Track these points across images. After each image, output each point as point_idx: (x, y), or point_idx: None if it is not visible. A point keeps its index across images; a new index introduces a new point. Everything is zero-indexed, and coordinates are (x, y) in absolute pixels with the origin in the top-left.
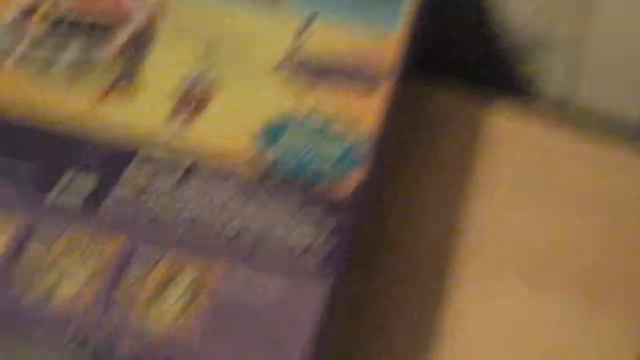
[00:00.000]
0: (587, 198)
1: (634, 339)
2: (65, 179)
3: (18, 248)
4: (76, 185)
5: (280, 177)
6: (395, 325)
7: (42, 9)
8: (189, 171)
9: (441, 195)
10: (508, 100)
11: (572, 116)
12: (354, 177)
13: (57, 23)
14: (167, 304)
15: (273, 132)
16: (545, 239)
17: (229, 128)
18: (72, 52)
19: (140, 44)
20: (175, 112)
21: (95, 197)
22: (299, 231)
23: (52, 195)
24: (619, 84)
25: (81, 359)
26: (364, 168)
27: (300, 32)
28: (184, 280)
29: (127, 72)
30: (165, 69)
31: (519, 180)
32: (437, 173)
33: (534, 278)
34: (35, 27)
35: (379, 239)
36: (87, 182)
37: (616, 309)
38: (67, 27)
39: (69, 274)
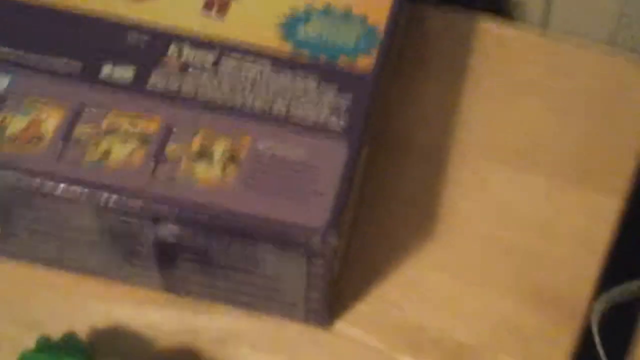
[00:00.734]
0: (564, 99)
1: (611, 211)
2: (109, 65)
3: (71, 124)
4: (120, 70)
5: (305, 56)
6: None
7: None
8: (222, 54)
9: (436, 101)
10: (495, 20)
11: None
12: (372, 56)
13: None
14: (209, 163)
15: (297, 18)
16: (528, 133)
17: (257, 15)
18: None
19: None
20: (208, 4)
21: (138, 79)
22: (325, 101)
23: (100, 77)
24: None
25: (132, 220)
26: (380, 48)
27: None
28: (223, 145)
29: None
30: None
31: (503, 88)
32: (431, 83)
33: (520, 162)
34: None
35: (381, 136)
36: (130, 67)
37: (594, 184)
38: None
39: (118, 144)
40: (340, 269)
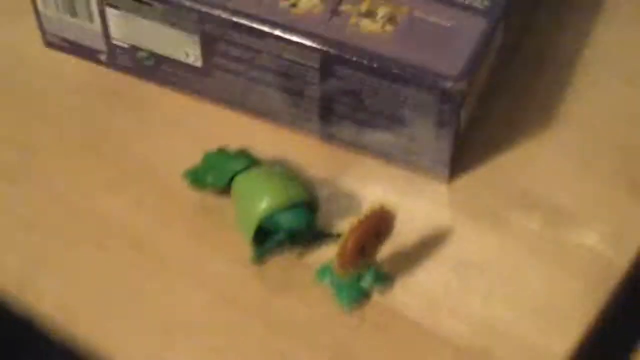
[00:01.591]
0: None
1: None
2: None
3: None
4: None
5: None
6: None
7: None
8: None
9: (574, 27)
10: None
11: None
12: None
13: None
14: (373, 20)
15: None
16: None
17: None
18: None
19: None
20: None
21: None
22: None
23: None
24: None
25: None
26: None
27: None
28: (385, 9)
29: None
30: None
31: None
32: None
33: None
34: None
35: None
36: None
37: None
38: None
39: None
40: (465, 136)
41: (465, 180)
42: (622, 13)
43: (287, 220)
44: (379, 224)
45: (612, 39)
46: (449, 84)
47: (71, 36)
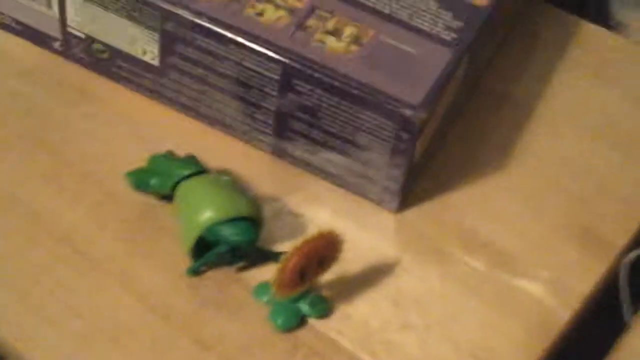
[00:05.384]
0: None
1: None
2: None
3: None
4: None
5: None
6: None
7: None
8: None
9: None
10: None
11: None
12: None
13: None
14: (338, 39)
15: None
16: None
17: None
18: None
19: None
20: None
21: None
22: (442, 18)
23: None
24: None
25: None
26: None
27: None
28: (352, 30)
29: None
30: None
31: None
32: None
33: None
34: None
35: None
36: None
37: None
38: None
39: (271, 8)
40: (418, 169)
41: (413, 213)
42: (586, 64)
43: (230, 232)
44: (324, 249)
45: (574, 88)
46: (409, 112)
47: (25, 19)
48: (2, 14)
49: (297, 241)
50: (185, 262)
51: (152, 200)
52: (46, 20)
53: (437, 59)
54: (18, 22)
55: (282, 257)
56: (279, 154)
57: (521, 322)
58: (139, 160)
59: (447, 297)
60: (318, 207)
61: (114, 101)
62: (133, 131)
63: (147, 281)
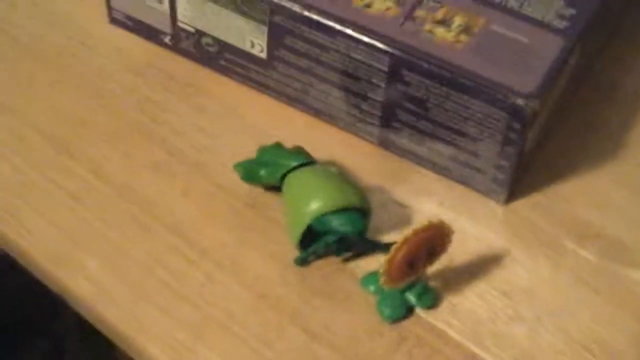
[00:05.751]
0: None
1: None
2: None
3: None
4: None
5: None
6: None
7: None
8: None
9: None
10: None
11: None
12: None
13: None
14: (447, 29)
15: None
16: None
17: None
18: None
19: None
20: None
21: None
22: (554, 6)
23: None
24: None
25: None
26: None
27: None
28: (461, 19)
29: None
30: None
31: None
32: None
33: None
34: None
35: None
36: None
37: None
38: None
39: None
40: (527, 160)
41: (522, 204)
42: None
43: (339, 222)
44: (434, 240)
45: None
46: (521, 101)
47: (137, 15)
48: (116, 10)
49: (404, 232)
50: (292, 252)
51: (260, 191)
52: (157, 16)
53: (549, 48)
54: (130, 18)
55: (392, 247)
56: (385, 145)
57: (634, 314)
58: (247, 152)
59: (557, 288)
60: (424, 198)
61: (223, 94)
62: (241, 123)
63: (256, 271)
